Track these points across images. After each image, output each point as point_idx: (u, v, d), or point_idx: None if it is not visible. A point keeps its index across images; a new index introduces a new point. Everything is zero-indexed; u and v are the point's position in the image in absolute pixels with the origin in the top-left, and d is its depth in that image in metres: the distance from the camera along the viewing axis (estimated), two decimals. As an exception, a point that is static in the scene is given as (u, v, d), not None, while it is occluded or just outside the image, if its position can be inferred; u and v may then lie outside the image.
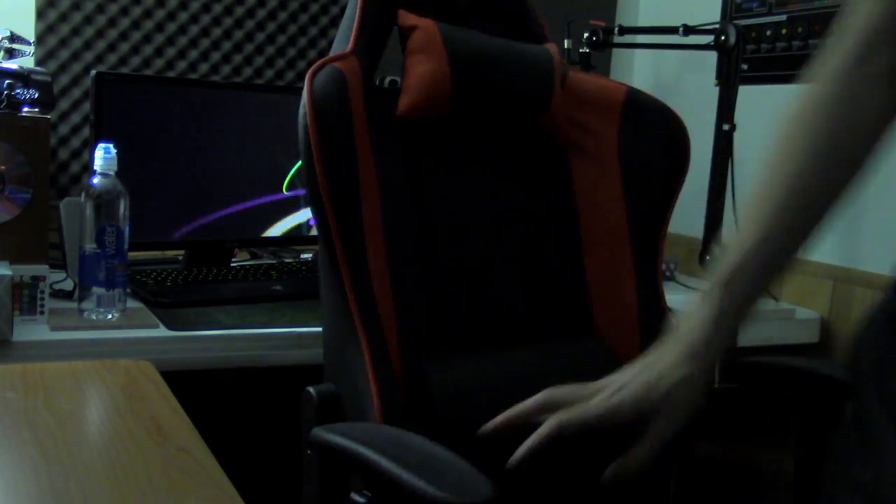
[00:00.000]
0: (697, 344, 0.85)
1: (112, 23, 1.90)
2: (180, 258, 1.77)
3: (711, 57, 2.12)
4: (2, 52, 1.54)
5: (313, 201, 1.00)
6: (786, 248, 0.84)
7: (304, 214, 1.83)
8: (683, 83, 2.27)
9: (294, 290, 1.61)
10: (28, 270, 1.30)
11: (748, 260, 0.83)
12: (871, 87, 0.80)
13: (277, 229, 1.80)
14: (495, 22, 1.26)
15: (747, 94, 1.94)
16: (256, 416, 1.76)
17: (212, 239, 1.73)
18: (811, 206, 0.83)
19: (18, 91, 1.42)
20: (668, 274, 2.00)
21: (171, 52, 1.97)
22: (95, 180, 1.33)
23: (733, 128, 1.92)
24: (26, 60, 1.61)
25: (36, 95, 1.44)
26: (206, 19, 1.99)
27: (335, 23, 2.13)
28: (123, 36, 1.92)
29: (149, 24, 1.94)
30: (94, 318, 1.32)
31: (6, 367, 1.02)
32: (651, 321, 1.21)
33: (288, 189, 1.79)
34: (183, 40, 1.98)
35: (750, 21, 2.06)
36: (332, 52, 1.09)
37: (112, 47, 1.91)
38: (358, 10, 1.12)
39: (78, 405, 0.92)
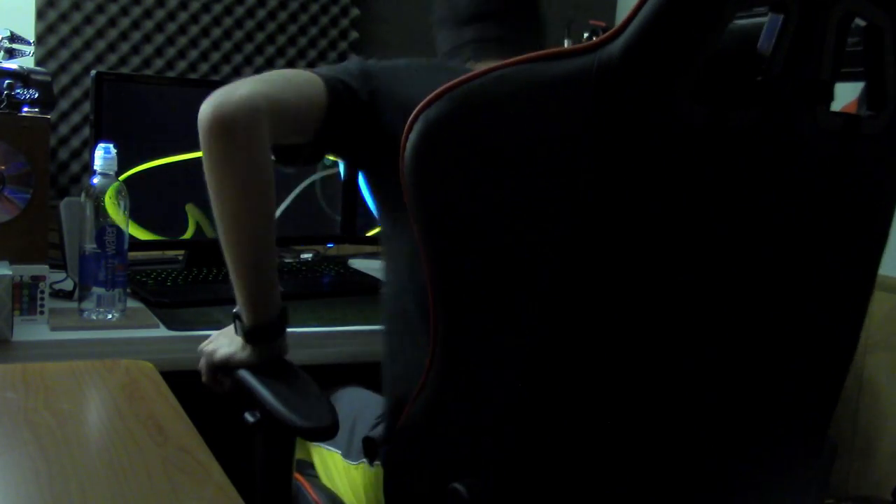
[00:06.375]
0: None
1: (112, 23, 1.90)
2: (180, 258, 1.77)
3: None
4: (2, 52, 1.54)
5: None
6: None
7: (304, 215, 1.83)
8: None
9: (294, 290, 1.61)
10: (28, 270, 1.30)
11: None
12: None
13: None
14: None
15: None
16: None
17: (212, 239, 1.73)
18: None
19: (18, 91, 1.42)
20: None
21: (171, 52, 1.97)
22: (95, 180, 1.33)
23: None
24: (26, 60, 1.61)
25: (36, 95, 1.44)
26: (206, 19, 1.99)
27: (335, 23, 2.13)
28: (123, 36, 1.92)
29: (149, 24, 1.94)
30: (94, 318, 1.32)
31: (6, 367, 1.02)
32: None
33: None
34: (183, 40, 1.98)
35: (751, 21, 2.06)
36: None
37: (112, 47, 1.91)
38: None
39: (78, 405, 0.92)
